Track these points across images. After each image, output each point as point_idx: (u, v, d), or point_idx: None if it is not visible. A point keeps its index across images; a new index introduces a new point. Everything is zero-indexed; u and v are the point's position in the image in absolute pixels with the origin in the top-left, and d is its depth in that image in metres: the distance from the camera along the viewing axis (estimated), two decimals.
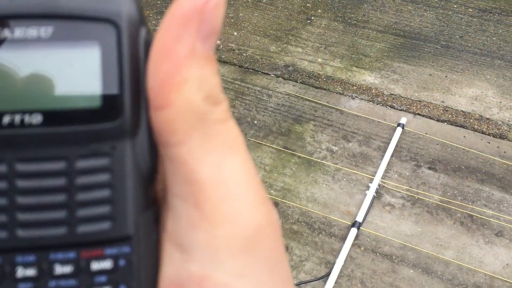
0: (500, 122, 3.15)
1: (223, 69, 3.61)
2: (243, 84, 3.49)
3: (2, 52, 0.38)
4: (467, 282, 2.36)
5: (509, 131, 3.09)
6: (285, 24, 4.07)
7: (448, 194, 2.73)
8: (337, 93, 3.37)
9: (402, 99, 3.31)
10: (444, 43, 3.80)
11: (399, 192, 2.73)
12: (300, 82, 3.46)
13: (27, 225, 0.38)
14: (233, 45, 3.84)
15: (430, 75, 3.52)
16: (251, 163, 0.40)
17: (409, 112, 3.21)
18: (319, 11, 4.17)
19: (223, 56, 3.74)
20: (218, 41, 3.86)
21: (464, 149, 2.97)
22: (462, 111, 3.22)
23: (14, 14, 0.38)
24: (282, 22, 4.10)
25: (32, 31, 0.38)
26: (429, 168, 2.87)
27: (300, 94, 3.35)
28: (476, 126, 3.12)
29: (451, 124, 3.14)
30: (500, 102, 3.30)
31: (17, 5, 0.38)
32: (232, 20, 4.12)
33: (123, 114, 0.38)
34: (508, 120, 3.16)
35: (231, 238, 0.38)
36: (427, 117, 3.18)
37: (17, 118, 0.38)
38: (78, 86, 0.38)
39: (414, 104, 3.27)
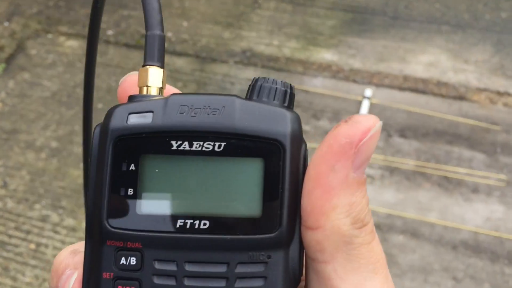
0: (457, 85, 3.29)
1: (179, 61, 3.54)
2: (203, 74, 3.44)
3: (179, 161, 0.43)
4: (454, 240, 2.46)
5: (467, 92, 3.24)
6: (234, 10, 4.04)
7: (422, 159, 2.83)
8: (299, 73, 3.38)
9: (363, 72, 3.38)
10: (391, 14, 3.91)
11: (376, 163, 2.80)
12: (260, 67, 3.45)
13: None
14: (186, 36, 3.77)
15: (384, 46, 3.61)
16: (391, 282, 0.43)
17: (372, 84, 3.28)
18: None
19: (177, 48, 3.66)
20: (170, 34, 3.77)
21: (428, 114, 3.08)
22: (420, 78, 3.34)
23: (195, 130, 0.43)
24: (230, 8, 4.05)
25: (207, 145, 0.43)
26: (400, 136, 2.95)
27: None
28: (436, 91, 3.24)
29: (413, 92, 3.24)
30: (454, 65, 3.44)
31: (197, 122, 0.43)
32: (179, 11, 4.03)
33: (281, 226, 0.42)
34: (464, 82, 3.30)
35: None
36: (389, 88, 3.27)
37: (188, 222, 0.43)
38: (243, 198, 0.43)
39: (375, 76, 3.35)
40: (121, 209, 0.43)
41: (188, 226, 0.43)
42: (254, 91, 0.46)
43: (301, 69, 3.42)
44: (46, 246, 2.33)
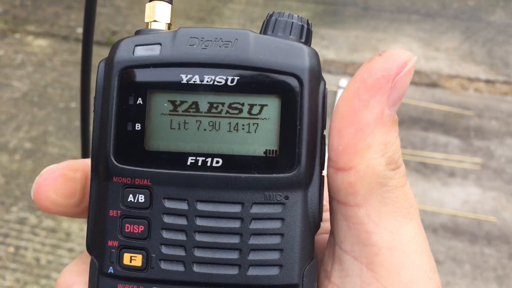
0: (430, 72, 3.35)
1: None
2: None
3: (189, 96, 0.40)
4: (434, 224, 2.51)
5: (439, 79, 3.30)
6: (205, 4, 4.01)
7: None
8: None
9: (337, 63, 3.41)
10: (362, 5, 3.95)
11: None
12: None
13: (203, 262, 0.40)
14: None
15: (356, 37, 3.64)
16: (422, 228, 0.41)
17: (346, 74, 3.31)
18: None
19: None
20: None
21: (403, 102, 3.13)
22: None
23: (206, 63, 0.40)
24: (201, 2, 4.03)
25: (219, 79, 0.40)
26: None
27: None
28: None
29: None
30: (425, 53, 3.50)
31: (208, 54, 0.40)
32: None
33: (300, 165, 0.40)
34: (436, 69, 3.36)
35: None
36: None
37: (200, 160, 0.40)
38: (258, 135, 0.40)
39: (349, 67, 3.38)
40: (129, 145, 0.41)
41: (199, 163, 0.40)
42: (268, 26, 0.43)
43: None
44: (26, 248, 2.27)
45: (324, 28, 3.71)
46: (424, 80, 3.28)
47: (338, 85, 3.20)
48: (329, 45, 3.56)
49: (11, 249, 2.26)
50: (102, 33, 3.64)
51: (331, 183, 0.40)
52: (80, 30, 3.68)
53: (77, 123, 2.95)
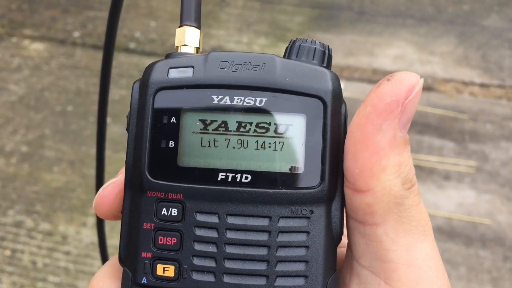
0: (424, 76, 3.37)
1: (149, 61, 3.50)
2: None
3: (220, 116, 0.43)
4: None
5: (434, 83, 3.32)
6: (202, 9, 4.02)
7: None
8: None
9: (333, 67, 3.43)
10: (358, 9, 3.97)
11: None
12: None
13: (232, 273, 0.42)
14: (154, 36, 3.74)
15: (352, 41, 3.66)
16: (436, 245, 0.43)
17: (342, 78, 3.33)
18: None
19: (146, 48, 3.63)
20: (138, 34, 3.74)
21: None
22: (389, 71, 3.40)
23: (236, 85, 0.43)
24: None
25: (249, 100, 0.43)
26: None
27: None
28: None
29: None
30: (420, 57, 3.52)
31: (239, 77, 0.43)
32: (146, 11, 4.00)
33: (324, 181, 0.42)
34: (431, 73, 3.38)
35: None
36: (359, 81, 3.32)
37: (230, 176, 0.43)
38: (285, 153, 0.43)
39: (345, 70, 3.40)
40: (162, 161, 0.43)
41: (230, 179, 0.43)
42: (292, 51, 0.46)
43: None
44: (22, 252, 2.27)
45: (320, 33, 3.73)
46: None
47: None
48: None
49: (8, 252, 2.26)
50: (99, 37, 3.65)
51: (349, 203, 0.43)
52: (76, 34, 3.68)
53: (74, 126, 2.96)
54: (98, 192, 0.48)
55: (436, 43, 3.64)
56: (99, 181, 0.78)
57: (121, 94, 3.16)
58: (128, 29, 3.75)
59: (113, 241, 2.08)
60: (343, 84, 3.23)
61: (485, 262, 2.38)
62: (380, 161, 0.40)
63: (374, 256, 0.42)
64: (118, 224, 0.47)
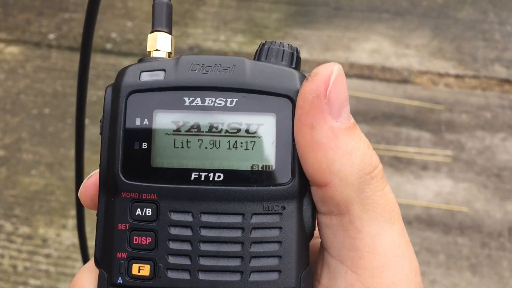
0: (401, 69, 3.41)
1: (126, 61, 3.49)
2: None
3: (192, 117, 0.44)
4: (408, 216, 2.55)
5: (410, 75, 3.36)
6: (178, 8, 4.01)
7: (373, 141, 2.92)
8: None
9: (310, 62, 3.45)
10: (334, 5, 4.00)
11: None
12: None
13: (207, 270, 0.43)
14: (131, 36, 3.72)
15: (329, 36, 3.69)
16: (406, 233, 0.44)
17: None
18: None
19: (122, 49, 3.61)
20: (114, 34, 3.71)
21: (376, 99, 3.18)
22: (365, 64, 3.44)
23: (207, 86, 0.44)
24: (174, 5, 4.02)
25: (219, 101, 0.44)
26: None
27: None
28: (381, 76, 3.35)
29: (359, 78, 3.34)
30: (396, 51, 3.56)
31: (210, 79, 0.44)
32: (123, 11, 3.97)
33: (295, 177, 0.44)
34: (407, 66, 3.42)
35: None
36: None
37: (203, 175, 0.44)
38: (256, 152, 0.44)
39: None
40: (136, 162, 0.44)
41: (202, 178, 0.44)
42: (262, 53, 0.47)
43: None
44: (2, 256, 2.25)
45: (297, 29, 3.75)
46: (395, 77, 3.35)
47: None
48: (302, 45, 3.60)
49: None
50: (74, 38, 3.62)
51: (315, 198, 0.44)
52: (51, 36, 3.65)
53: (51, 129, 2.93)
54: (83, 182, 0.49)
55: (411, 36, 3.68)
56: (79, 183, 0.78)
57: (99, 95, 3.14)
58: (105, 30, 3.72)
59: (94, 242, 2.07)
60: None
61: (464, 249, 2.42)
62: (326, 155, 0.41)
63: (341, 245, 0.42)
64: None
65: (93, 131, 2.86)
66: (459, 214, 2.57)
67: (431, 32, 3.72)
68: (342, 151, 0.40)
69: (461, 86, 3.29)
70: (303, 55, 3.51)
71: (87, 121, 2.91)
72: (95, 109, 3.00)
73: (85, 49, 0.64)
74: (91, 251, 0.89)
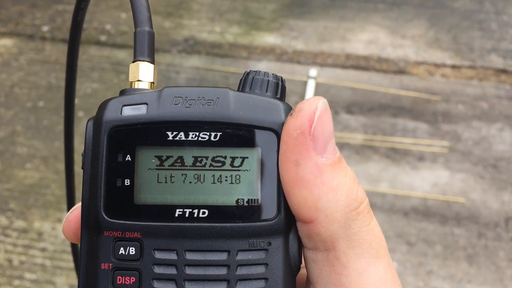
0: (397, 59, 3.40)
1: (121, 53, 3.46)
2: None
3: (175, 152, 0.43)
4: (405, 208, 2.55)
5: (406, 66, 3.35)
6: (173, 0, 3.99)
7: (369, 132, 2.91)
8: (243, 58, 3.39)
9: (306, 53, 3.43)
10: None
11: None
12: (205, 54, 3.43)
13: None
14: (125, 28, 3.69)
15: (325, 27, 3.67)
16: (393, 267, 0.43)
17: (316, 65, 3.33)
18: None
19: (117, 41, 3.58)
20: (108, 26, 3.68)
21: (372, 90, 3.17)
22: (362, 55, 3.42)
23: (190, 121, 0.43)
24: None
25: (203, 135, 0.43)
26: (347, 113, 3.02)
27: (208, 65, 3.33)
28: (377, 67, 3.33)
29: (356, 69, 3.32)
30: (392, 41, 3.55)
31: (193, 113, 0.43)
32: (117, 3, 3.94)
33: (280, 213, 0.43)
34: (403, 56, 3.41)
35: None
36: (333, 67, 3.33)
37: (187, 211, 0.43)
38: (241, 186, 0.44)
39: (318, 57, 3.41)
40: (118, 200, 0.43)
41: (187, 215, 0.43)
42: (246, 83, 0.46)
43: (245, 54, 3.42)
44: None
45: (293, 19, 3.73)
46: (391, 68, 3.33)
47: (308, 75, 3.22)
48: (298, 36, 3.58)
49: None
50: (68, 30, 3.59)
51: (300, 233, 0.43)
52: (45, 29, 3.62)
53: (46, 122, 2.91)
54: (66, 216, 0.48)
55: (407, 27, 3.67)
56: (69, 180, 0.77)
57: (93, 88, 3.12)
58: (99, 21, 3.69)
59: None
60: (316, 71, 3.23)
61: (460, 240, 2.42)
62: (312, 192, 0.40)
63: (327, 280, 0.42)
64: None
65: None
66: (456, 204, 2.57)
67: (427, 22, 3.71)
68: (328, 188, 0.40)
69: (458, 76, 3.28)
70: (299, 46, 3.49)
71: (82, 113, 2.89)
72: (90, 102, 2.98)
73: (74, 40, 0.62)
74: None
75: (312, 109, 0.41)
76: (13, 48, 3.42)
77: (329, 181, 0.40)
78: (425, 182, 2.66)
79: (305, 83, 3.18)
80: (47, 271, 2.18)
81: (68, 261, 2.22)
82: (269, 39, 3.56)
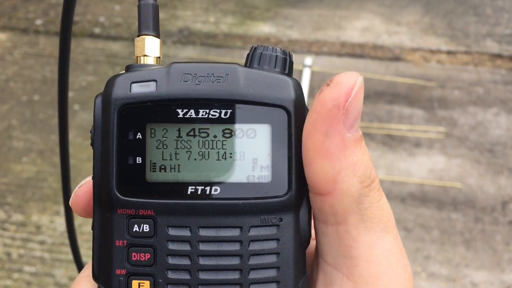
0: (392, 46, 3.39)
1: (115, 45, 3.45)
2: None
3: (186, 130, 0.43)
4: (402, 194, 2.56)
5: (401, 53, 3.34)
6: None
7: (365, 119, 2.91)
8: (238, 48, 3.38)
9: (301, 42, 3.42)
10: None
11: None
12: (199, 44, 3.42)
13: (207, 284, 0.43)
14: (119, 20, 3.67)
15: (319, 15, 3.66)
16: (400, 241, 0.45)
17: (311, 53, 3.33)
18: None
19: (111, 33, 3.56)
20: (102, 18, 3.67)
21: (368, 77, 3.16)
22: (357, 43, 3.41)
23: (201, 98, 0.43)
24: None
25: (214, 112, 0.44)
26: None
27: (202, 56, 3.32)
28: (372, 54, 3.33)
29: (351, 57, 3.32)
30: (387, 28, 3.54)
31: (203, 90, 0.43)
32: None
33: (291, 190, 0.44)
34: (399, 43, 3.40)
35: None
36: (328, 55, 3.32)
37: (200, 189, 0.43)
38: (252, 164, 0.44)
39: (313, 45, 3.40)
40: (131, 178, 0.43)
41: (199, 192, 0.43)
42: (254, 59, 0.46)
43: (240, 44, 3.41)
44: None
45: (287, 8, 3.71)
46: (387, 55, 3.33)
47: (303, 64, 3.21)
48: (293, 25, 3.57)
49: None
50: None
51: (313, 205, 0.44)
52: (39, 22, 3.60)
53: (41, 115, 2.90)
54: (74, 191, 0.48)
55: (402, 13, 3.66)
56: (65, 171, 0.77)
57: (88, 80, 3.11)
58: (92, 14, 3.68)
59: (87, 228, 2.07)
60: (311, 59, 3.23)
61: (457, 225, 2.43)
62: (334, 165, 0.41)
63: (337, 253, 0.43)
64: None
65: (84, 117, 2.83)
66: (453, 190, 2.57)
67: (422, 9, 3.69)
68: (348, 163, 0.41)
69: (453, 62, 3.28)
70: (294, 35, 3.48)
71: (77, 106, 2.88)
72: (85, 94, 2.97)
73: (65, 31, 0.61)
74: (85, 259, 0.88)
75: (351, 84, 0.41)
76: (7, 42, 3.41)
77: (350, 157, 0.41)
78: (421, 168, 2.66)
79: (300, 72, 3.18)
80: (46, 264, 2.19)
81: (66, 253, 2.23)
82: (264, 28, 3.54)
